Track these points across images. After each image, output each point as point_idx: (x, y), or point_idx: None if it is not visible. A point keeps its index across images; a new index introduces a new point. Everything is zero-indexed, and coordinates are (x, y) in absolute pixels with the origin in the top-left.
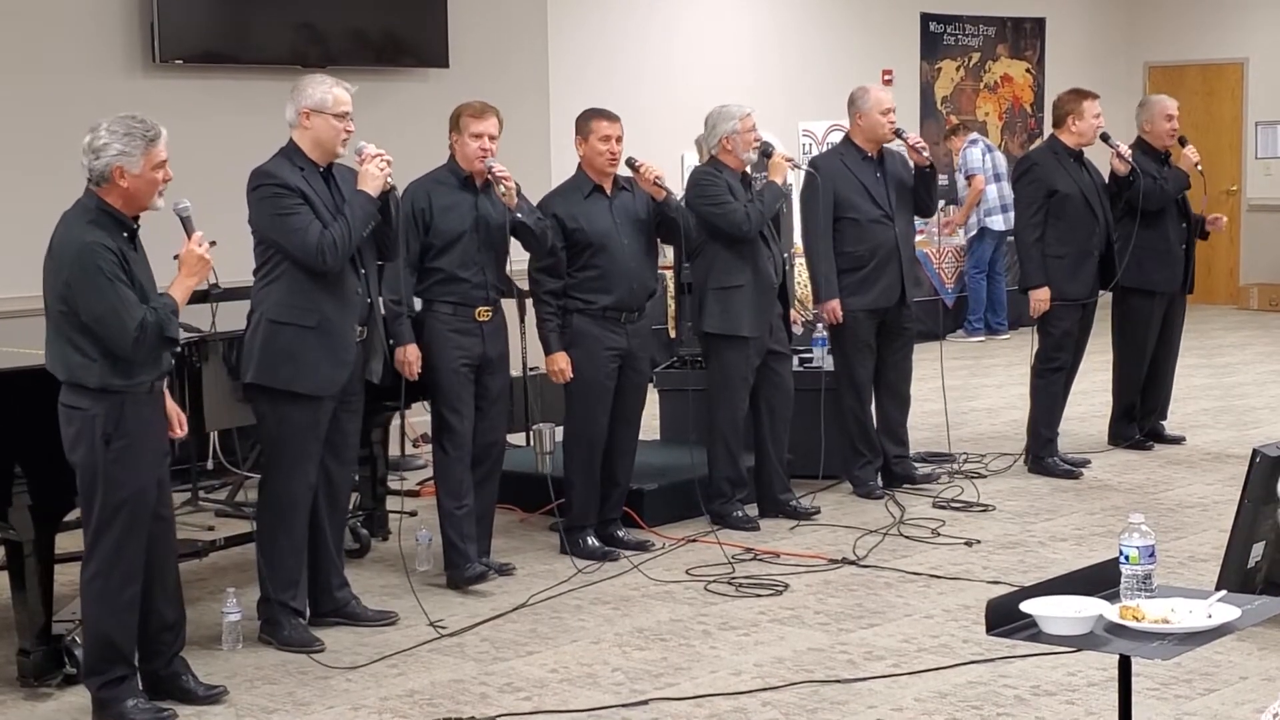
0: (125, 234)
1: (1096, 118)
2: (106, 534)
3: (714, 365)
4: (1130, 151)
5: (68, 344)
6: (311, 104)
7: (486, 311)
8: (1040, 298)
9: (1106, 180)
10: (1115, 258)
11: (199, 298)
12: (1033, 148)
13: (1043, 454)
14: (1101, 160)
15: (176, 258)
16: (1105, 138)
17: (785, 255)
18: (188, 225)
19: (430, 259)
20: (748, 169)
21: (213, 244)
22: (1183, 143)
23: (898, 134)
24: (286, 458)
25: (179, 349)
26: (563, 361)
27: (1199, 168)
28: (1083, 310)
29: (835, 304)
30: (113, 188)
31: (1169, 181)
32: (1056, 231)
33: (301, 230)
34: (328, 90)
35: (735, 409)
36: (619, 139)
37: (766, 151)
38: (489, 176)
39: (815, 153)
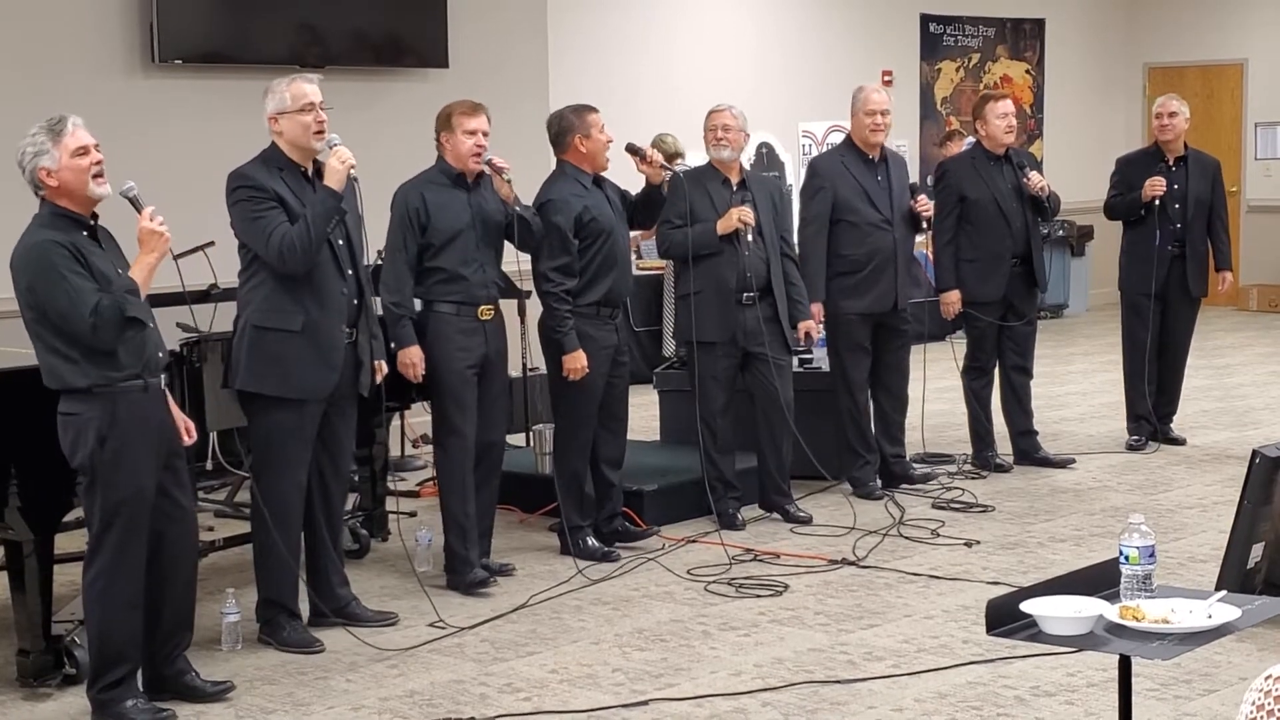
0: (84, 231)
1: (1001, 118)
2: (108, 535)
3: (689, 369)
4: (1043, 185)
5: (50, 351)
6: (273, 109)
7: (489, 310)
8: (949, 300)
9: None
10: (1038, 262)
11: (199, 298)
12: (957, 153)
13: (980, 450)
14: (1052, 166)
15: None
16: (1021, 168)
17: (766, 257)
18: (136, 204)
19: (429, 258)
20: (743, 168)
21: (211, 244)
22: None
23: (912, 189)
24: (276, 461)
25: (181, 345)
26: (584, 359)
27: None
28: (1006, 310)
29: (818, 308)
30: (49, 189)
31: (1123, 204)
32: (968, 236)
33: (266, 233)
34: (285, 89)
35: (707, 411)
36: None
37: (743, 199)
38: (487, 169)
39: (815, 153)
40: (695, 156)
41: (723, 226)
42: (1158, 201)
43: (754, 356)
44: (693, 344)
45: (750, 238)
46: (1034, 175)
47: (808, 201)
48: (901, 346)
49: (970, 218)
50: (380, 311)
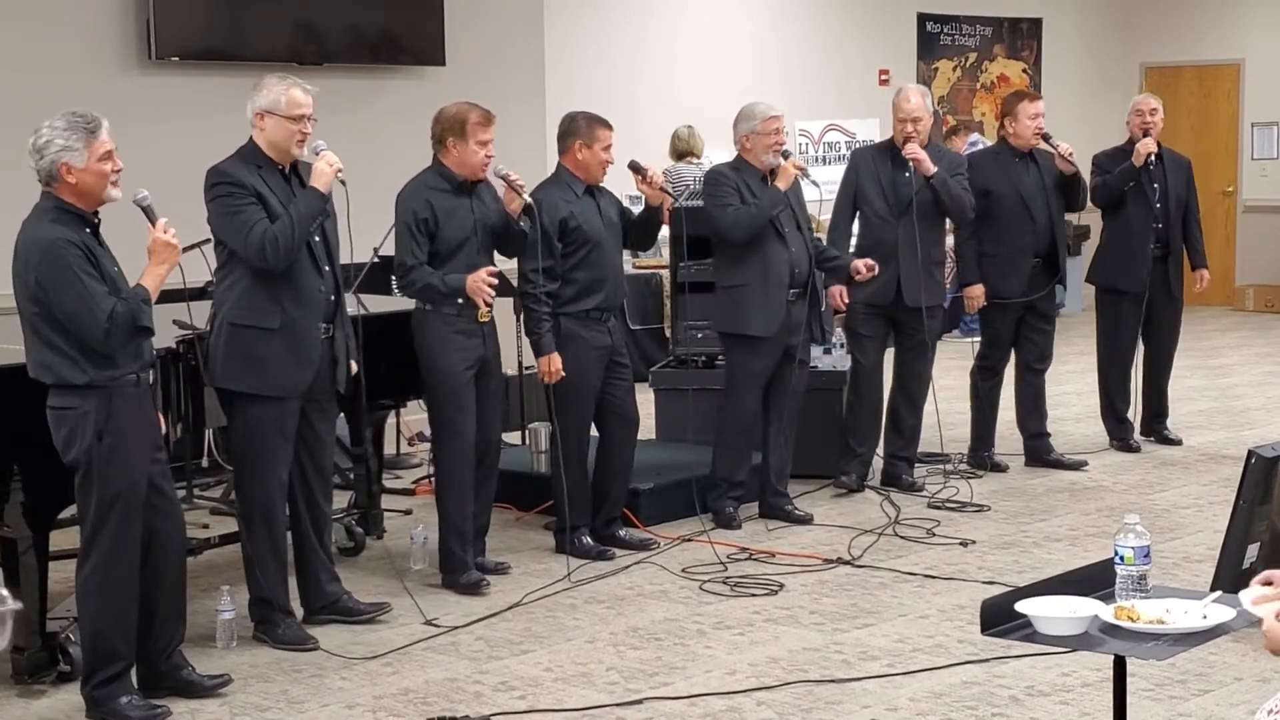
0: (88, 229)
1: (1032, 119)
2: (103, 529)
3: (726, 363)
4: (1070, 151)
5: (47, 346)
6: (263, 105)
7: (488, 312)
8: (973, 295)
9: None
10: (1059, 257)
11: (196, 295)
12: (962, 147)
13: (977, 449)
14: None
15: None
16: (1047, 138)
17: (809, 251)
18: (150, 214)
19: (435, 265)
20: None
21: (208, 242)
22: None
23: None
24: (256, 458)
25: (178, 342)
26: (559, 362)
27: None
28: (1025, 309)
29: (836, 290)
30: (63, 185)
31: (1114, 176)
32: (990, 231)
33: (246, 228)
34: (282, 92)
35: (741, 408)
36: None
37: (785, 154)
38: (503, 182)
39: (812, 152)
40: (710, 154)
41: (784, 181)
42: (1143, 178)
43: (790, 352)
44: (735, 337)
45: (811, 179)
46: (1063, 145)
47: (839, 191)
48: (914, 347)
49: (993, 213)
50: (355, 310)
